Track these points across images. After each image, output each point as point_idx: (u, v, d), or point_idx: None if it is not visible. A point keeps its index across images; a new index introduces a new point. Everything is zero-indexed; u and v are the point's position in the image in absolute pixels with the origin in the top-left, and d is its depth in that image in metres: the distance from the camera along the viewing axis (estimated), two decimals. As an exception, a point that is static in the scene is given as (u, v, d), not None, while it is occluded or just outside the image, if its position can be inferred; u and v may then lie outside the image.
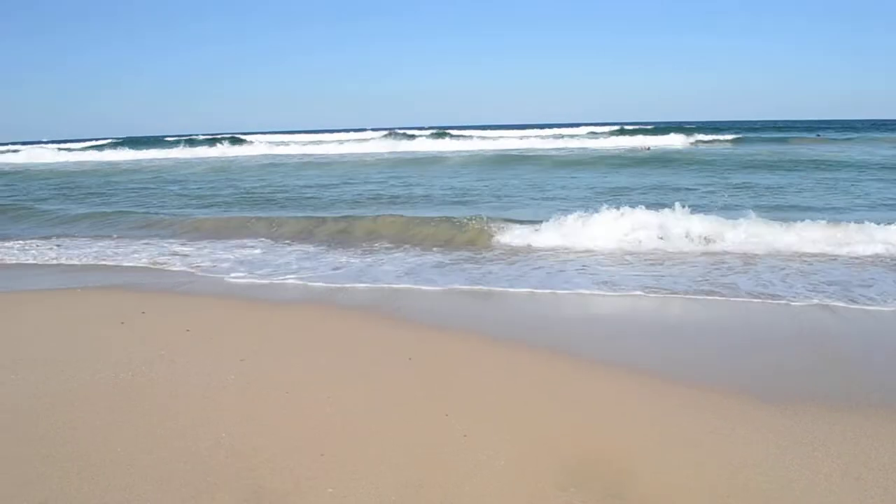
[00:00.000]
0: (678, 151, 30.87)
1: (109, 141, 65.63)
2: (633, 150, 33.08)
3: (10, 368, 5.02)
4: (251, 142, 51.46)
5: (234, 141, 53.38)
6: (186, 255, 10.09)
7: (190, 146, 47.61)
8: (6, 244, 11.44)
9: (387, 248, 10.22)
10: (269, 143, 50.07)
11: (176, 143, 51.96)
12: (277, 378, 4.74)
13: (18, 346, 5.71)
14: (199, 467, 3.47)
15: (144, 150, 46.18)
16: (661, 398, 4.39)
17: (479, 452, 3.60)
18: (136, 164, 36.79)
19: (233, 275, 8.60)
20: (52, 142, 70.20)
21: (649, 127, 54.53)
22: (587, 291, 7.31)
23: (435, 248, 10.05)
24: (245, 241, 11.30)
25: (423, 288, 7.66)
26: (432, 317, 6.50)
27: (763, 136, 44.10)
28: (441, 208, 13.95)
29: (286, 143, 48.56)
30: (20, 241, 11.68)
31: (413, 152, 36.53)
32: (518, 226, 10.82)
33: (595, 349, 5.41)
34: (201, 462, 3.52)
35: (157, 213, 14.64)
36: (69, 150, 49.77)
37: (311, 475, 3.38)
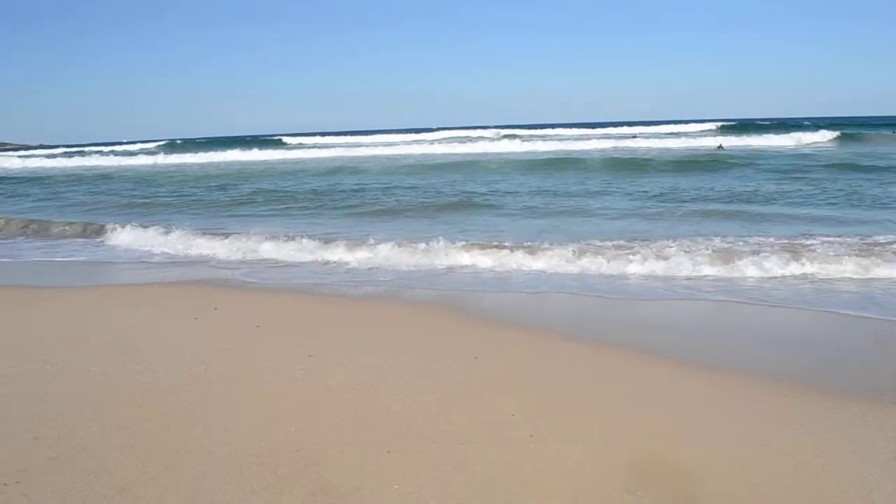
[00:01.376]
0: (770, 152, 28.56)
1: (165, 142, 66.92)
2: (718, 148, 31.83)
3: (91, 361, 5.21)
4: (330, 144, 50.70)
5: (277, 143, 53.97)
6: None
7: (261, 148, 45.87)
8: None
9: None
10: (348, 145, 49.08)
11: (232, 145, 51.82)
12: (344, 375, 4.80)
13: (99, 339, 5.92)
14: (269, 461, 3.54)
15: (227, 152, 43.53)
16: (733, 398, 4.28)
17: (545, 453, 3.57)
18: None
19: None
20: (131, 142, 73.03)
21: (732, 123, 52.63)
22: (655, 298, 7.18)
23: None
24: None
25: (490, 288, 7.65)
26: (499, 316, 6.48)
27: (849, 132, 41.13)
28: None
29: (365, 146, 47.11)
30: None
31: (492, 154, 33.90)
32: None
33: (666, 348, 5.30)
34: (270, 456, 3.59)
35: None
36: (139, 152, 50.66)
37: (378, 472, 3.41)
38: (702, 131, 47.81)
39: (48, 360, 5.22)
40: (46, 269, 9.91)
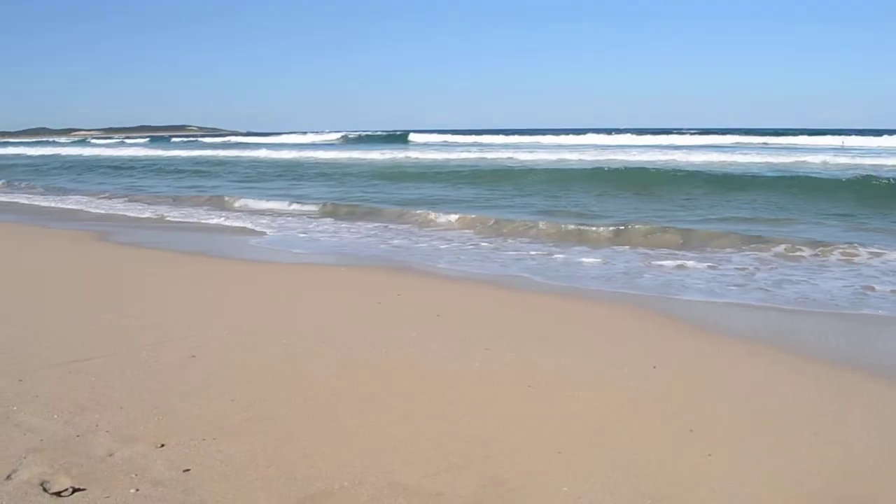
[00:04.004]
0: None
1: (342, 135, 70.13)
2: None
3: (283, 334, 5.57)
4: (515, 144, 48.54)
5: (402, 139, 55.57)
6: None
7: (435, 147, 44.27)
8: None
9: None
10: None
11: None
12: (519, 370, 4.81)
13: (291, 314, 6.34)
14: (441, 447, 3.61)
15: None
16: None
17: (723, 475, 3.39)
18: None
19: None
20: (292, 132, 79.24)
21: None
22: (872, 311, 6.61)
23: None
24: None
25: (686, 294, 7.37)
26: (684, 323, 6.21)
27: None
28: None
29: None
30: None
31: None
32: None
33: (878, 367, 4.88)
34: (443, 443, 3.67)
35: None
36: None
37: (548, 471, 3.39)
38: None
39: (247, 331, 5.63)
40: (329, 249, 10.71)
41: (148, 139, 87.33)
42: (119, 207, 16.71)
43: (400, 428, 3.85)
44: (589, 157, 31.68)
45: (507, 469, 3.40)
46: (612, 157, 30.93)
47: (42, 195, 20.56)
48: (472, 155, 34.32)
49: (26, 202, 18.42)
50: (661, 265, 8.88)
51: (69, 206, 17.02)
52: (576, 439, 3.75)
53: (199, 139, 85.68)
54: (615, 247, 10.35)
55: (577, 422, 3.98)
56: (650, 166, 24.35)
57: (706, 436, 3.80)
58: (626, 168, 23.32)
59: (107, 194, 19.95)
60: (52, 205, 17.56)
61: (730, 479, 3.35)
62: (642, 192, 18.32)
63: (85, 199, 18.95)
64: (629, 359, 5.14)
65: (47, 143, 77.84)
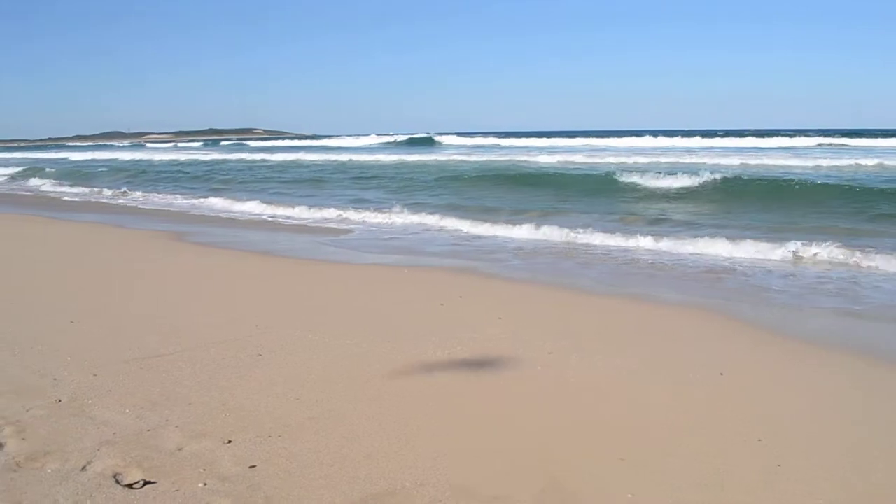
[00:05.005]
0: None
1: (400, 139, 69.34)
2: None
3: (347, 334, 5.63)
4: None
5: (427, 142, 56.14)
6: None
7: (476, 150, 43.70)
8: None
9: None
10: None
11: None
12: (582, 374, 4.77)
13: (355, 314, 6.41)
14: (504, 450, 3.60)
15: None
16: None
17: (793, 486, 3.30)
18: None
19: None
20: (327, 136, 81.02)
21: None
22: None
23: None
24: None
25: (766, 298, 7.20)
26: (754, 328, 6.05)
27: None
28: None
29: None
30: None
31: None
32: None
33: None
34: (505, 445, 3.66)
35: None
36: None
37: (611, 477, 3.35)
38: None
39: (312, 330, 5.72)
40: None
41: (202, 143, 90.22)
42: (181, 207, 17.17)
43: (461, 429, 3.86)
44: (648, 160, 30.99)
45: (569, 474, 3.37)
46: (678, 160, 30.23)
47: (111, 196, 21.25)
48: (519, 157, 33.90)
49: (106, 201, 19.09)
50: (733, 269, 8.72)
51: (144, 207, 17.57)
52: (639, 446, 3.69)
53: (246, 143, 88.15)
54: (683, 251, 10.18)
55: (641, 428, 3.92)
56: (722, 170, 23.66)
57: (775, 445, 3.70)
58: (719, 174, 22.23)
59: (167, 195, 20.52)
60: (126, 204, 18.16)
61: (800, 491, 3.26)
62: (717, 196, 17.89)
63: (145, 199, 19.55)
64: (696, 364, 5.04)
65: (106, 147, 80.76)
